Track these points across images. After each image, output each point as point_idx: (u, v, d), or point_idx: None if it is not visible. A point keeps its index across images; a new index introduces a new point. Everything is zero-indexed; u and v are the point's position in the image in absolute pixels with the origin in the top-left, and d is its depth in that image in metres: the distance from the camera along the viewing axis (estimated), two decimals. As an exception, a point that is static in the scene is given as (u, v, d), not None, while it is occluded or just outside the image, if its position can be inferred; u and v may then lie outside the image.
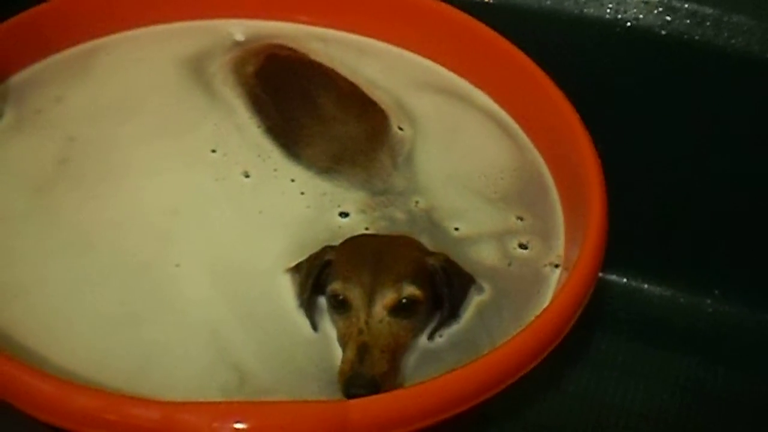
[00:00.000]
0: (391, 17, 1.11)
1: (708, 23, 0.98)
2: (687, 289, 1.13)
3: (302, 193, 0.91)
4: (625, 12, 1.00)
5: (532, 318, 0.76)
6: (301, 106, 0.99)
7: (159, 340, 0.78)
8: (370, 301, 0.76)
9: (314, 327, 0.80)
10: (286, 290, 0.82)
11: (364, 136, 0.96)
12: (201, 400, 0.66)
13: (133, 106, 1.01)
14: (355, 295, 0.76)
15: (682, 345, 1.09)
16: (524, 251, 0.88)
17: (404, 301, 0.76)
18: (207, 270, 0.84)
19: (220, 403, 0.65)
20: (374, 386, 0.71)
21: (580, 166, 0.87)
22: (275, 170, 0.94)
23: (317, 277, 0.80)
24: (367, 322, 0.75)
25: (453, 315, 0.81)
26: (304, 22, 1.14)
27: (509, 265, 0.86)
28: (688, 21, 0.98)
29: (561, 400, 1.01)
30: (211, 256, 0.85)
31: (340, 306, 0.77)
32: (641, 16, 0.99)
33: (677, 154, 1.07)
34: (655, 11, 0.98)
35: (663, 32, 0.99)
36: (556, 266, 0.86)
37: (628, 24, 0.99)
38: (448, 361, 0.77)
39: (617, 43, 1.01)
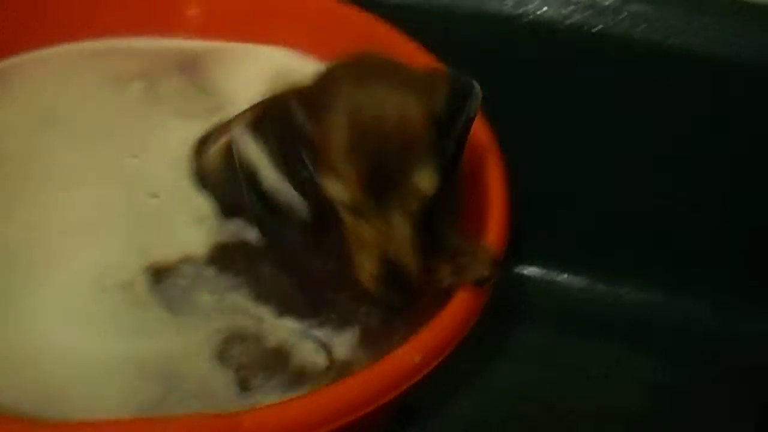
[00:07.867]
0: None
1: (608, 13, 0.98)
2: (605, 279, 1.13)
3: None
4: (526, 5, 1.00)
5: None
6: None
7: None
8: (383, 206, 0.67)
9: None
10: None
11: None
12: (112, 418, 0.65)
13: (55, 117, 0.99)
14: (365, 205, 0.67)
15: (601, 334, 1.10)
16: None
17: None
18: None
19: (108, 421, 0.64)
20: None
21: (480, 159, 0.87)
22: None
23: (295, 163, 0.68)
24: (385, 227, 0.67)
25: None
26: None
27: None
28: (589, 12, 0.99)
29: (483, 394, 1.01)
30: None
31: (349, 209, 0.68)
32: (544, 9, 1.00)
33: (586, 143, 1.07)
34: (556, 3, 0.99)
35: (565, 23, 1.00)
36: None
37: (530, 17, 1.00)
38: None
39: (519, 37, 1.01)
